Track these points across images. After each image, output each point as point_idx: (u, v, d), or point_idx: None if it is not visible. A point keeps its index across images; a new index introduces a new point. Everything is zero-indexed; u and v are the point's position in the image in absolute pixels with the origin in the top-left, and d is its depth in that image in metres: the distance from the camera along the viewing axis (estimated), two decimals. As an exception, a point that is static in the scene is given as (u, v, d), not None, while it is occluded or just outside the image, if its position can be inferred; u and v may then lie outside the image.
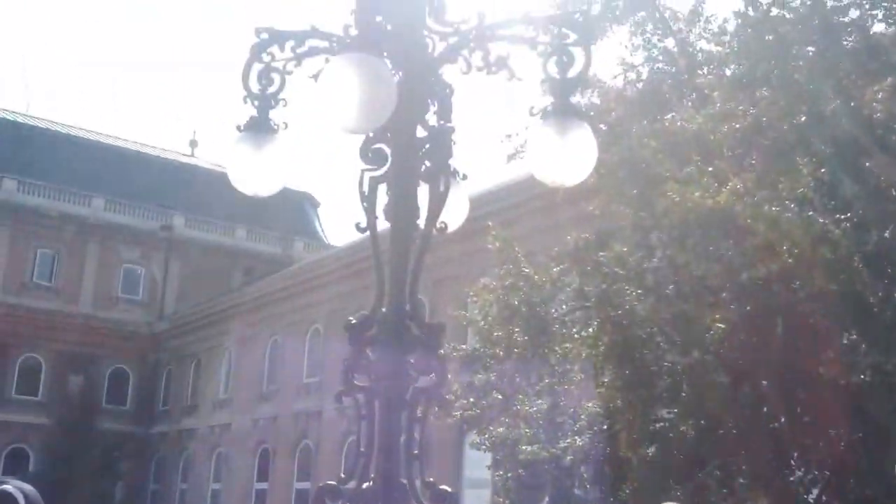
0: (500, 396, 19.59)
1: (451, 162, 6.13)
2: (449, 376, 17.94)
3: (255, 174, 6.02)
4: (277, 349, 52.97)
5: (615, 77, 20.98)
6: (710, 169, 15.43)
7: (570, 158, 5.76)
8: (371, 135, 5.89)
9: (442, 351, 6.09)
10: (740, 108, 16.22)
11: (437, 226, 5.95)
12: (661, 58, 21.23)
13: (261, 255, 67.85)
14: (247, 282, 63.59)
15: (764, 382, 15.49)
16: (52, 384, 61.82)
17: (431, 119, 6.09)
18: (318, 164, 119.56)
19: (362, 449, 5.70)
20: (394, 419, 5.72)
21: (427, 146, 6.03)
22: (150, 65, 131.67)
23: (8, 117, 68.24)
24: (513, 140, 20.47)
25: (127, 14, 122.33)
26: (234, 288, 63.68)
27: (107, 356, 63.52)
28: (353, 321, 5.88)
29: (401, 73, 5.94)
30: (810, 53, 17.42)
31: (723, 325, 15.20)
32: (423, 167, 6.01)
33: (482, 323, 19.49)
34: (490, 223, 20.38)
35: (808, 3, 17.77)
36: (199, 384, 60.24)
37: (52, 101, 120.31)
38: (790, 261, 14.63)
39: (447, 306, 28.26)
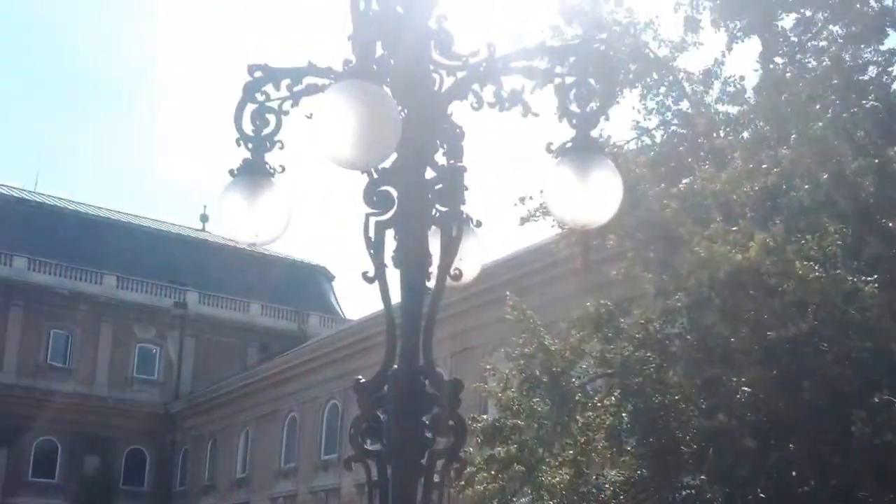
0: (522, 468, 19.16)
1: (463, 207, 5.70)
2: (470, 450, 17.70)
3: (250, 221, 5.59)
4: (295, 426, 52.44)
5: (628, 142, 20.85)
6: (735, 228, 15.18)
7: (592, 196, 5.37)
8: (375, 175, 5.46)
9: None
10: (764, 166, 16.03)
11: (451, 273, 5.51)
12: (675, 121, 21.02)
13: (276, 331, 67.32)
14: (263, 358, 63.11)
15: (792, 446, 15.12)
16: (68, 466, 61.34)
17: (441, 159, 5.68)
18: (333, 236, 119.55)
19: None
20: (409, 485, 5.30)
21: (437, 188, 5.61)
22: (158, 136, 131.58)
23: (16, 194, 68.16)
24: (526, 203, 20.31)
25: (132, 70, 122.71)
26: (249, 365, 63.20)
27: (123, 437, 63.06)
28: (362, 380, 5.47)
29: (406, 111, 5.52)
30: (829, 114, 17.29)
31: (749, 389, 14.87)
32: (434, 211, 5.58)
33: (500, 395, 19.10)
34: (508, 292, 20.09)
35: (827, 62, 17.71)
36: (217, 463, 59.70)
37: (60, 177, 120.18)
38: (816, 323, 14.37)
39: (466, 378, 27.81)
